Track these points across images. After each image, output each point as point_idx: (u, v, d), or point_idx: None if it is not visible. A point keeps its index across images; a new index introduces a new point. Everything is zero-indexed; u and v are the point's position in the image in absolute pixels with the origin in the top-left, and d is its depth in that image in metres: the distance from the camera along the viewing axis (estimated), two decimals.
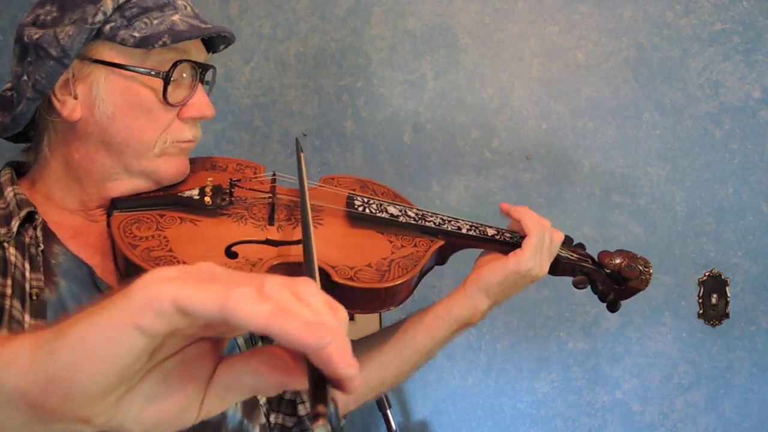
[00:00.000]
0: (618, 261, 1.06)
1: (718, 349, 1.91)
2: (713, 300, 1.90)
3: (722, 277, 1.90)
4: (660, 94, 1.91)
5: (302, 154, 1.02)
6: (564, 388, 1.97)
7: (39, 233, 0.83)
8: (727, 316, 1.90)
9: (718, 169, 1.90)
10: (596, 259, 1.08)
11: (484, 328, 2.00)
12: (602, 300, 1.08)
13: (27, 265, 0.81)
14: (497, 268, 0.98)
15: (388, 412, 1.79)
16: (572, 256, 1.07)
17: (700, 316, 1.92)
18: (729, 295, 1.90)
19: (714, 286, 1.90)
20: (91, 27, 0.80)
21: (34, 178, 0.91)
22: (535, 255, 0.98)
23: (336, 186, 1.05)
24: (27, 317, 0.78)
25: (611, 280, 1.07)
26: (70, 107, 0.84)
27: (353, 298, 0.87)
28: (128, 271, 0.82)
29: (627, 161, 1.93)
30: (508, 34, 1.96)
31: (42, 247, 0.83)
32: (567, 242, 1.10)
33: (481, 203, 1.98)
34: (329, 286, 0.86)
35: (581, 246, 1.11)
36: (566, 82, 1.94)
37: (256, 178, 1.00)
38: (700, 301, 1.91)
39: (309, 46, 2.03)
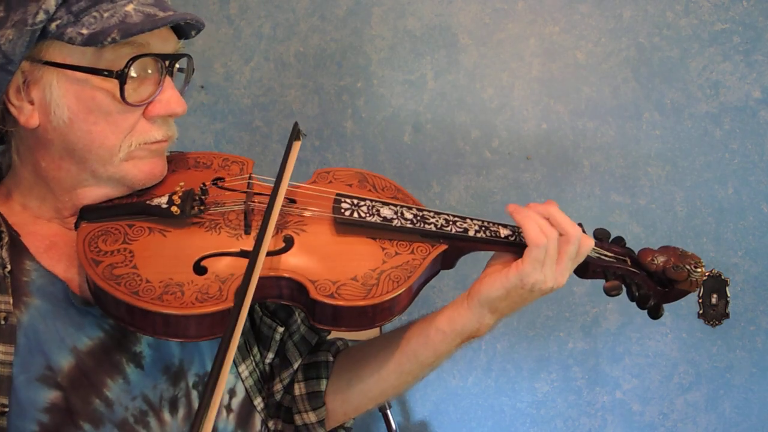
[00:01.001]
0: (662, 260, 0.89)
1: (718, 349, 1.91)
2: (713, 300, 1.90)
3: (722, 277, 1.90)
4: (660, 94, 1.91)
5: (297, 143, 0.90)
6: (564, 388, 1.97)
7: (5, 254, 0.79)
8: (727, 316, 1.90)
9: (718, 169, 1.90)
10: (636, 258, 0.92)
11: None
12: (641, 306, 0.92)
13: None
14: (497, 283, 0.85)
15: (388, 412, 1.79)
16: (606, 256, 0.91)
17: (700, 316, 1.91)
18: (729, 295, 1.90)
19: (714, 286, 1.90)
20: (32, 28, 0.73)
21: (10, 188, 0.87)
22: (540, 268, 0.83)
23: (332, 181, 0.95)
24: None
25: (654, 281, 0.91)
26: (26, 114, 0.78)
27: (336, 316, 0.78)
28: (93, 289, 0.77)
29: (627, 161, 1.93)
30: (508, 34, 1.96)
31: (9, 268, 0.79)
32: (602, 237, 0.94)
33: (481, 203, 1.98)
34: (308, 303, 0.79)
35: (619, 241, 0.94)
36: (566, 82, 1.94)
37: (239, 177, 0.91)
38: (700, 301, 1.91)
39: (309, 46, 2.03)
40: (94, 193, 0.83)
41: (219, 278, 0.77)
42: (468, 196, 1.99)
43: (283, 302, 0.82)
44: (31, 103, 0.78)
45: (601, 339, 1.95)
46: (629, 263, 0.92)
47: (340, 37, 2.02)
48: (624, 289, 0.92)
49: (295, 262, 0.80)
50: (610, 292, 0.91)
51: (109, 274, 0.75)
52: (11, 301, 0.77)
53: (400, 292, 0.80)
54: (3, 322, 0.76)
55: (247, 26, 2.05)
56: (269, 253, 0.79)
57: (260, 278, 0.76)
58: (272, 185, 0.84)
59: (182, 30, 0.85)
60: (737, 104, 1.88)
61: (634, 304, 0.93)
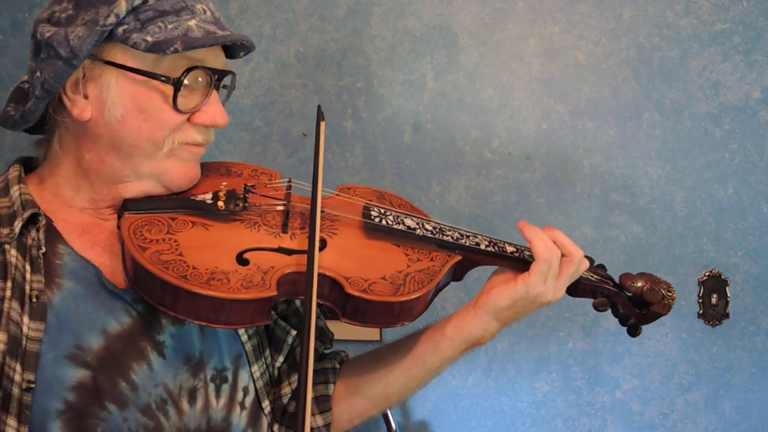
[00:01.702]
0: (640, 284, 1.02)
1: (718, 349, 1.92)
2: (713, 300, 1.90)
3: (722, 277, 1.90)
4: (660, 94, 1.91)
5: (323, 123, 0.99)
6: (564, 388, 1.97)
7: (41, 236, 0.83)
8: (727, 316, 1.90)
9: (718, 169, 1.90)
10: (617, 281, 1.05)
11: None
12: (623, 324, 1.05)
13: (28, 267, 0.81)
14: (505, 293, 0.94)
15: (388, 412, 1.79)
16: (593, 277, 1.03)
17: (700, 316, 1.92)
18: (729, 295, 1.90)
19: (714, 286, 1.90)
20: (102, 29, 0.79)
21: (43, 176, 0.90)
22: (543, 281, 0.94)
23: (353, 196, 1.03)
24: (26, 319, 0.79)
25: (633, 303, 1.03)
26: (80, 107, 0.83)
27: (366, 311, 0.85)
28: (137, 274, 0.81)
29: (627, 161, 1.93)
30: (508, 34, 1.96)
31: (44, 250, 0.82)
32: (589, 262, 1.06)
33: (481, 203, 1.98)
34: (342, 297, 0.85)
35: (602, 267, 1.07)
36: (566, 82, 1.94)
37: (270, 184, 0.99)
38: (700, 301, 1.91)
39: (309, 46, 2.03)
40: (134, 189, 0.88)
41: (261, 269, 0.82)
42: (468, 196, 1.99)
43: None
44: (86, 97, 0.83)
45: (601, 339, 1.95)
46: (612, 285, 1.04)
47: (340, 37, 2.02)
48: (609, 307, 1.04)
49: (328, 261, 0.87)
50: (598, 307, 1.03)
51: (156, 259, 0.79)
52: (44, 280, 0.81)
53: (423, 292, 0.87)
54: (35, 300, 0.80)
55: (247, 26, 2.05)
56: (302, 252, 0.85)
57: (295, 274, 0.83)
58: (304, 192, 0.91)
59: (232, 50, 0.94)
60: (737, 104, 1.88)
61: (617, 321, 1.05)
